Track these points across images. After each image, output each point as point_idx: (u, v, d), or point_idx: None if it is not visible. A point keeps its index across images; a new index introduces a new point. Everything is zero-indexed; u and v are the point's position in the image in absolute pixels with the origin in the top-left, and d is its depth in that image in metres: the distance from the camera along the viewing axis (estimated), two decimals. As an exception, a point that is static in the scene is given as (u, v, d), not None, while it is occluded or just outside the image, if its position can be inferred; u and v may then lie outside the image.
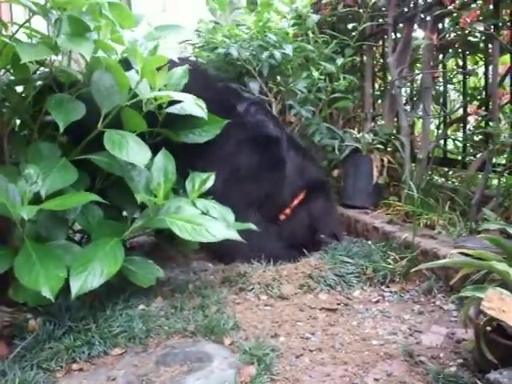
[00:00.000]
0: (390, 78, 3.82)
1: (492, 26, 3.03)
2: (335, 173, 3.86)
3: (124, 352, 2.09)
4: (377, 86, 4.46)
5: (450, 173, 3.90)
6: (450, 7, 3.14)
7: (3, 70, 2.53)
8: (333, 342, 2.12)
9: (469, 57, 3.63)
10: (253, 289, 2.61)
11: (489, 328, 1.73)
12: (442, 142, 3.75)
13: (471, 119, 3.75)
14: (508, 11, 3.16)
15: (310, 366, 1.96)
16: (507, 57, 3.29)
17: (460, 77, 3.78)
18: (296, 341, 2.14)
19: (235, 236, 2.26)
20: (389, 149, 3.77)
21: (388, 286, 2.65)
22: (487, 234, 2.01)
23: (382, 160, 3.57)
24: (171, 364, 1.97)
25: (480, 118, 3.46)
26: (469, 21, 2.99)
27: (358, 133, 3.69)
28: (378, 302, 2.52)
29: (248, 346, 2.04)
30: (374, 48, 4.23)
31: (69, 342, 2.08)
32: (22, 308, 2.28)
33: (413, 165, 3.57)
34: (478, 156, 3.36)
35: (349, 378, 1.87)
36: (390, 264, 2.72)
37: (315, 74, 3.48)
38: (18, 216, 2.13)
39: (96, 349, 2.07)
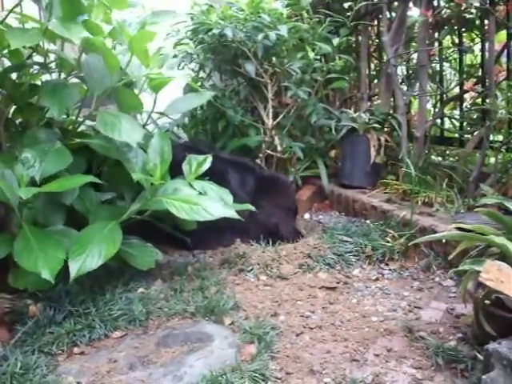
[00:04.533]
0: (385, 57, 3.79)
1: (488, 1, 3.00)
2: (332, 153, 3.84)
3: (124, 334, 2.10)
4: (372, 66, 4.43)
5: (447, 152, 3.89)
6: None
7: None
8: (333, 320, 2.13)
9: (465, 34, 3.59)
10: (252, 269, 2.61)
11: (487, 301, 1.73)
12: (438, 120, 3.73)
13: (468, 97, 3.73)
14: (503, -14, 3.13)
15: (310, 343, 1.97)
16: (503, 34, 3.26)
17: (456, 54, 3.74)
18: (296, 319, 2.15)
19: (233, 214, 2.26)
20: (386, 128, 3.76)
21: (387, 264, 2.66)
22: (485, 209, 2.00)
23: (379, 139, 3.55)
24: (172, 345, 1.98)
25: (477, 95, 3.45)
26: (464, -4, 2.97)
27: (355, 113, 3.67)
28: (377, 279, 2.53)
29: (248, 325, 2.04)
30: (369, 28, 4.19)
31: (69, 326, 2.09)
32: (22, 294, 2.27)
33: (410, 144, 3.56)
34: (475, 134, 3.34)
35: (349, 354, 1.88)
36: (388, 242, 2.72)
37: (311, 54, 3.44)
38: (15, 200, 2.13)
39: (96, 332, 2.09)
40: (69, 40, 2.20)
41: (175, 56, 3.47)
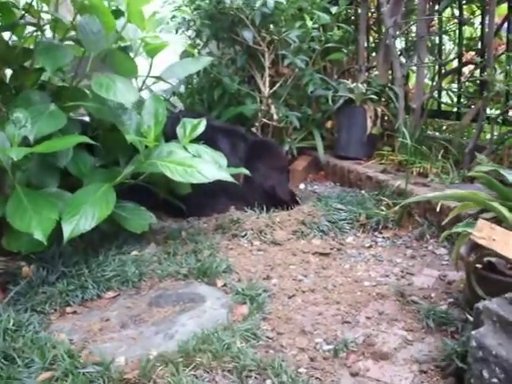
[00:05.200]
0: (384, 29, 3.75)
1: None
2: (329, 124, 3.82)
3: (117, 295, 2.11)
4: (371, 39, 4.38)
5: (444, 126, 3.88)
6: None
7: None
8: (325, 284, 2.14)
9: (465, 6, 3.56)
10: (246, 235, 2.61)
11: (479, 265, 1.73)
12: (436, 94, 3.71)
13: (466, 71, 3.71)
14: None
15: (302, 305, 1.98)
16: (504, 7, 3.23)
17: (456, 27, 3.71)
18: (288, 282, 2.16)
19: (227, 177, 2.25)
20: (383, 100, 3.73)
21: (381, 232, 2.67)
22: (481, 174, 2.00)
23: (376, 111, 3.54)
24: (164, 305, 1.99)
25: (475, 68, 3.42)
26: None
27: (352, 84, 3.64)
28: (370, 247, 2.54)
29: (240, 287, 2.06)
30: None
31: (62, 286, 2.09)
32: (16, 257, 2.28)
33: (406, 116, 3.54)
34: (473, 107, 3.32)
35: (341, 316, 1.89)
36: (383, 211, 2.72)
37: (309, 23, 3.41)
38: (7, 161, 2.11)
39: (89, 292, 2.09)
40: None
41: (173, 17, 3.41)
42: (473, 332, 1.29)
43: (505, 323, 1.25)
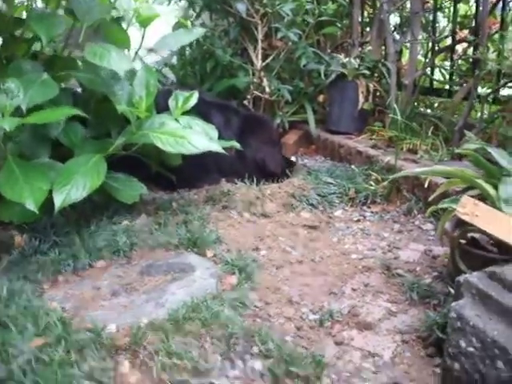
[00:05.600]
0: (379, 5, 3.74)
1: None
2: (320, 98, 3.83)
3: (108, 264, 2.14)
4: (366, 13, 4.36)
5: (435, 103, 3.89)
6: None
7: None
8: (313, 256, 2.19)
9: (460, -18, 3.55)
10: (236, 207, 2.64)
11: (463, 241, 1.78)
12: (428, 71, 3.72)
13: (459, 48, 3.72)
14: None
15: (289, 276, 2.03)
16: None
17: (450, 4, 3.70)
18: (277, 254, 2.20)
19: (218, 148, 2.27)
20: (375, 76, 3.74)
21: (369, 207, 2.71)
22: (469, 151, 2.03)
23: (368, 86, 3.55)
24: (155, 274, 2.03)
25: (468, 47, 3.43)
26: None
27: (345, 58, 3.64)
28: (358, 221, 2.58)
29: (230, 257, 2.10)
30: (364, -28, 4.11)
31: (54, 255, 2.13)
32: (8, 227, 2.30)
33: (398, 92, 3.55)
34: (464, 85, 3.34)
35: (327, 287, 1.94)
36: (371, 186, 2.76)
37: (303, -4, 3.40)
38: (-1, 131, 2.11)
39: (81, 262, 2.12)
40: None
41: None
42: (452, 304, 1.33)
43: (483, 296, 1.30)
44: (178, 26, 3.38)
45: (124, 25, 2.70)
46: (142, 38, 2.81)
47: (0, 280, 1.92)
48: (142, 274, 2.03)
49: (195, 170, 2.83)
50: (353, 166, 3.10)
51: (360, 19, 4.08)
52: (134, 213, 2.54)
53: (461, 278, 1.39)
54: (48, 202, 2.07)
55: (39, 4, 2.70)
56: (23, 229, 2.28)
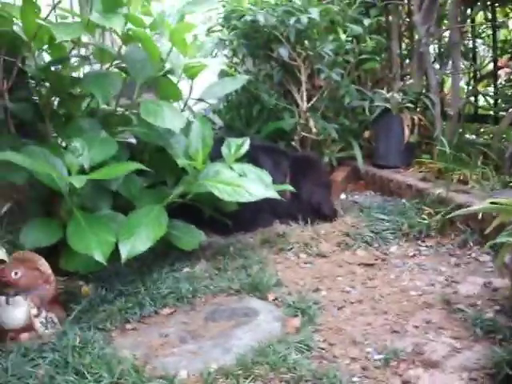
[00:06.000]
0: (416, 36, 3.80)
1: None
2: (366, 134, 3.89)
3: (173, 311, 2.20)
4: (404, 45, 4.43)
5: (482, 130, 3.89)
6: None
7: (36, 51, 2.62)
8: (372, 294, 2.21)
9: (498, 9, 3.58)
10: (292, 248, 2.70)
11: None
12: (472, 98, 3.73)
13: (502, 73, 3.72)
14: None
15: (351, 316, 2.05)
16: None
17: (489, 30, 3.73)
18: (337, 294, 2.23)
19: (274, 195, 2.34)
20: (419, 107, 3.78)
21: (424, 241, 2.71)
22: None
23: (413, 119, 3.59)
24: (219, 320, 2.08)
25: (511, 71, 3.44)
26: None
27: (387, 93, 3.70)
28: (414, 256, 2.59)
29: (291, 300, 2.14)
30: (400, 7, 4.19)
31: (121, 304, 2.20)
32: (73, 277, 2.40)
33: (444, 122, 3.57)
34: (510, 110, 3.34)
35: (389, 326, 1.95)
36: (425, 219, 2.77)
37: (342, 36, 3.50)
38: (65, 187, 2.24)
39: (147, 309, 2.19)
40: (112, 30, 2.29)
41: (211, 43, 3.55)
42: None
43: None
44: (223, 73, 3.51)
45: (173, 78, 2.83)
46: (191, 88, 2.94)
47: (72, 329, 2.01)
48: (206, 320, 2.09)
49: (249, 214, 2.91)
50: (404, 200, 3.11)
51: (399, 52, 4.15)
52: (193, 259, 2.62)
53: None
54: (112, 252, 2.16)
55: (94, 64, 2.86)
56: (88, 278, 2.38)
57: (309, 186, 3.12)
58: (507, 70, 3.58)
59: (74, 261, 2.32)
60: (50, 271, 2.12)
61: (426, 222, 2.75)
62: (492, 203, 2.04)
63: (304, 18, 3.31)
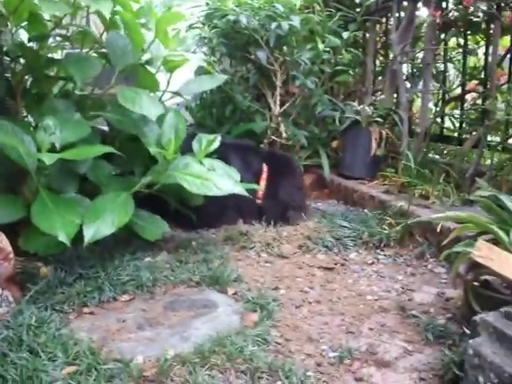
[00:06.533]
0: (391, 55, 3.91)
1: (494, 6, 3.12)
2: (334, 144, 3.96)
3: (132, 298, 2.21)
4: (378, 62, 4.55)
5: (446, 150, 4.01)
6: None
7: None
8: (330, 296, 2.26)
9: (470, 37, 3.72)
10: (254, 247, 2.73)
11: (476, 283, 1.85)
12: (439, 119, 3.85)
13: (469, 98, 3.86)
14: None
15: (308, 315, 2.09)
16: (507, 39, 3.38)
17: (460, 56, 3.87)
18: (296, 293, 2.27)
19: (242, 191, 2.37)
20: (387, 123, 3.87)
21: (383, 250, 2.78)
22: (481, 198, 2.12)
23: (381, 133, 3.68)
24: (178, 309, 2.10)
25: (477, 97, 3.58)
26: (472, 0, 3.08)
27: (359, 106, 3.79)
28: (372, 263, 2.65)
29: (251, 295, 2.17)
30: (378, 25, 4.30)
31: (80, 287, 2.19)
32: (32, 258, 2.37)
33: (410, 139, 3.68)
34: (474, 133, 3.46)
35: (345, 326, 2.00)
36: (385, 229, 2.84)
37: (320, 46, 3.57)
38: (33, 165, 2.22)
39: (106, 294, 2.19)
40: (96, 13, 2.29)
41: (192, 39, 3.57)
42: (470, 341, 1.41)
43: (499, 334, 1.37)
44: (200, 71, 3.53)
45: (152, 69, 2.84)
46: (168, 82, 2.95)
47: (28, 308, 1.99)
48: (165, 309, 2.10)
49: (214, 210, 2.93)
50: (366, 211, 3.19)
51: (373, 68, 4.25)
52: (155, 249, 2.63)
53: (477, 318, 1.47)
54: (74, 235, 2.15)
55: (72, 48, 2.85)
56: (48, 260, 2.36)
57: (286, 185, 3.16)
58: (474, 94, 3.71)
59: (34, 241, 2.30)
60: (10, 248, 2.10)
61: (386, 232, 2.82)
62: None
63: (285, 25, 3.37)
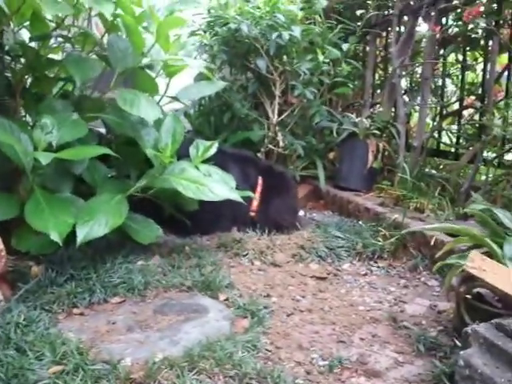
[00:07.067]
0: (390, 68, 3.93)
1: (493, 23, 3.15)
2: (331, 155, 3.97)
3: (123, 301, 2.20)
4: (377, 76, 4.57)
5: (442, 165, 4.03)
6: (454, 1, 3.24)
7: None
8: (322, 305, 2.25)
9: (469, 52, 3.74)
10: (247, 254, 2.72)
11: (469, 296, 1.85)
12: (436, 134, 3.87)
13: (466, 114, 3.88)
14: (510, 11, 3.28)
15: (299, 323, 2.08)
16: (505, 57, 3.41)
17: (459, 71, 3.89)
18: (287, 302, 2.26)
19: (237, 197, 2.37)
20: (385, 136, 3.89)
21: (376, 262, 2.78)
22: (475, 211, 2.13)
23: (378, 145, 3.69)
24: (168, 313, 2.09)
25: (474, 112, 3.60)
26: (471, 16, 3.10)
27: (357, 118, 3.80)
28: (365, 274, 2.65)
29: (242, 302, 2.16)
30: (378, 38, 4.33)
31: (70, 288, 2.18)
32: (24, 257, 2.36)
33: (407, 153, 3.69)
34: (470, 148, 3.48)
35: (336, 336, 1.99)
36: (379, 241, 2.84)
37: (320, 57, 3.58)
38: (29, 163, 2.21)
39: (96, 296, 2.18)
40: (99, 16, 2.29)
41: (193, 45, 3.58)
42: (461, 352, 1.40)
43: (490, 345, 1.36)
44: (199, 77, 3.54)
45: (151, 73, 2.84)
46: (167, 86, 2.96)
47: (17, 307, 1.98)
48: (155, 313, 2.09)
49: (209, 218, 2.92)
50: (360, 222, 3.19)
51: (372, 81, 4.27)
52: (148, 253, 2.62)
53: (468, 329, 1.46)
54: (66, 236, 2.14)
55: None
56: (39, 260, 2.35)
57: (278, 203, 3.15)
58: (471, 110, 3.73)
59: (26, 241, 2.30)
60: (1, 246, 2.09)
61: (380, 243, 2.82)
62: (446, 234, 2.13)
63: (286, 35, 3.38)
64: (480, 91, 3.61)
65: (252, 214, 3.13)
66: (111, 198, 2.37)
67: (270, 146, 3.67)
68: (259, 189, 3.16)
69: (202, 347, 1.77)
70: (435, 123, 3.93)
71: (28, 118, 2.68)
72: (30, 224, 2.12)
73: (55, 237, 2.06)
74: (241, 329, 1.97)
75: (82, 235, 2.14)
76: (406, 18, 3.88)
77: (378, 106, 4.24)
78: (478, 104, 3.51)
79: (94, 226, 2.19)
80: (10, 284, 2.21)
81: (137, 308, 2.13)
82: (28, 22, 2.54)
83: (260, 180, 3.18)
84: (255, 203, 3.12)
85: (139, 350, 1.81)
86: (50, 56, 2.71)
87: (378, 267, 2.73)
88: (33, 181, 2.28)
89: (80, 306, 2.13)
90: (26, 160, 2.20)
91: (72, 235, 2.17)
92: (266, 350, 1.85)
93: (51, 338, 1.80)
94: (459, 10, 3.39)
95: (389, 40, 4.18)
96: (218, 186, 2.36)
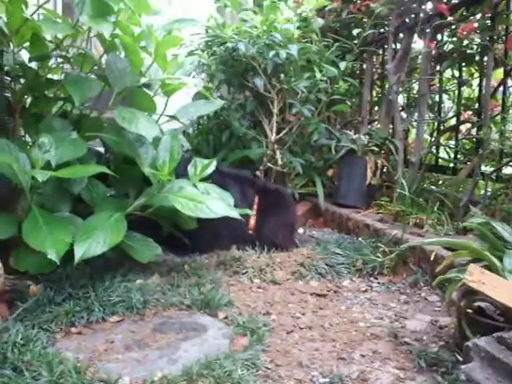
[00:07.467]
0: (387, 85, 3.96)
1: (488, 39, 3.18)
2: (330, 172, 3.97)
3: (122, 320, 2.18)
4: (374, 93, 4.60)
5: (440, 180, 4.03)
6: (449, 18, 3.27)
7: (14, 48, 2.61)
8: (322, 322, 2.23)
9: (464, 68, 3.77)
10: (246, 272, 2.71)
11: (469, 310, 1.84)
12: (434, 149, 3.88)
13: (463, 129, 3.90)
14: (503, 26, 3.31)
15: (299, 341, 2.06)
16: (501, 72, 3.43)
17: (455, 87, 3.92)
18: (287, 319, 2.24)
19: (235, 214, 2.37)
20: (383, 152, 3.89)
21: (376, 278, 2.77)
22: (474, 225, 2.12)
23: (376, 162, 3.70)
24: (167, 332, 2.07)
25: (472, 127, 3.61)
26: (466, 32, 3.13)
27: (355, 135, 3.82)
28: (366, 291, 2.63)
29: (241, 320, 2.14)
30: (374, 56, 4.37)
31: (68, 307, 2.17)
32: (23, 276, 2.35)
33: (405, 169, 3.69)
34: (469, 163, 3.48)
35: (337, 353, 1.97)
36: (379, 257, 2.83)
37: (318, 75, 3.61)
38: (27, 182, 2.21)
39: (95, 315, 2.16)
40: (97, 36, 2.31)
41: (191, 64, 3.61)
42: (462, 366, 1.39)
43: (491, 359, 1.35)
44: (197, 96, 3.56)
45: (149, 92, 2.86)
46: (165, 105, 2.97)
47: (14, 326, 1.97)
48: (154, 331, 2.07)
49: (208, 237, 2.92)
50: (360, 239, 3.18)
51: (369, 98, 4.29)
52: (146, 272, 2.61)
53: (470, 343, 1.45)
54: (65, 254, 2.14)
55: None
56: (38, 279, 2.34)
57: (274, 223, 3.15)
58: (468, 125, 3.74)
59: (24, 260, 2.29)
60: (0, 265, 2.09)
61: (379, 259, 2.81)
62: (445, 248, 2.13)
63: (283, 53, 3.41)
64: (476, 106, 3.63)
65: (250, 232, 3.12)
66: (110, 216, 2.37)
67: (269, 164, 3.67)
68: (255, 207, 3.16)
69: (201, 366, 1.76)
70: (433, 139, 3.94)
71: (27, 138, 2.69)
72: (27, 243, 2.11)
73: (52, 256, 2.05)
74: (240, 347, 1.95)
75: (79, 253, 2.13)
76: (401, 35, 3.92)
77: (375, 122, 4.26)
78: (475, 119, 3.52)
79: (92, 244, 2.18)
80: (9, 303, 2.21)
81: (135, 327, 2.12)
82: (28, 43, 2.55)
83: (256, 199, 3.18)
84: (252, 222, 3.12)
85: (137, 368, 1.79)
86: (50, 76, 2.73)
87: (378, 283, 2.72)
88: (31, 200, 2.28)
89: (78, 324, 2.12)
90: (24, 179, 2.20)
91: (70, 254, 2.16)
92: (266, 367, 1.83)
93: (49, 358, 1.78)
94: (454, 27, 3.42)
95: (385, 57, 4.20)
96: (216, 204, 2.36)
